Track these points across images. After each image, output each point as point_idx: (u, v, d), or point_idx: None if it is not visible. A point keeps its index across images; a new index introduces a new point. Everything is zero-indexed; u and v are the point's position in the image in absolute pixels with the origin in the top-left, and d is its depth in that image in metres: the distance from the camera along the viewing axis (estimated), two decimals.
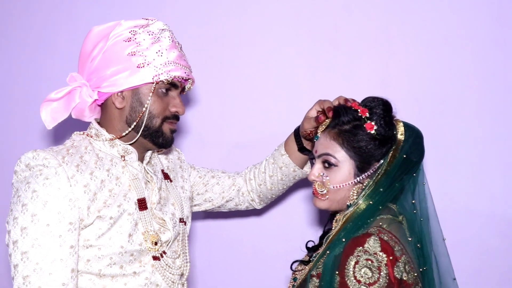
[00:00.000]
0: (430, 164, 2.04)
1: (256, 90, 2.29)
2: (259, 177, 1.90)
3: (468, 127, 2.13)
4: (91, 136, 1.58)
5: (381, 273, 1.34)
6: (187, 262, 1.68)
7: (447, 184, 2.13)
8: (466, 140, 2.13)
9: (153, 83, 1.52)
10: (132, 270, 1.52)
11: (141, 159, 1.63)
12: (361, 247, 1.37)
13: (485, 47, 2.11)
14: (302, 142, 1.77)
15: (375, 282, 1.33)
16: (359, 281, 1.34)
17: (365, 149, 1.50)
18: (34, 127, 2.44)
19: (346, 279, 1.35)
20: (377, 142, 1.50)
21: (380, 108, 1.52)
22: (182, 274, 1.65)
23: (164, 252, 1.58)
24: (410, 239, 1.46)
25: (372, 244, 1.37)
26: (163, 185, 1.69)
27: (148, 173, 1.62)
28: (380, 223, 1.44)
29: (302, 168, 1.84)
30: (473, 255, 2.13)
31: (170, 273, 1.58)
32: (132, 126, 1.55)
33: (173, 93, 1.59)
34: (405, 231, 1.48)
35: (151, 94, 1.53)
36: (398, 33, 2.16)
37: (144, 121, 1.55)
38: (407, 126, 1.55)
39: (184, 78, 1.58)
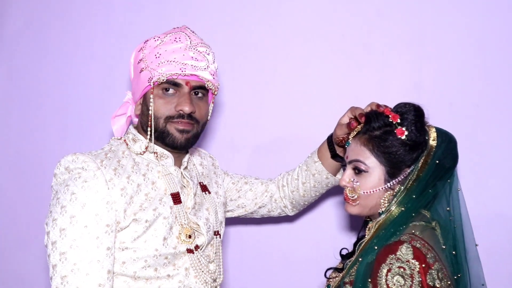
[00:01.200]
0: (463, 169, 2.01)
1: (287, 95, 2.29)
2: (292, 183, 1.90)
3: (502, 132, 2.09)
4: (128, 141, 1.62)
5: (414, 281, 1.33)
6: (220, 269, 1.69)
7: (480, 190, 2.09)
8: (500, 145, 2.09)
9: (150, 85, 1.54)
10: (166, 273, 1.54)
11: (178, 164, 1.65)
12: (393, 255, 1.36)
13: None
14: (335, 149, 1.77)
15: None
16: None
17: (395, 154, 1.50)
18: (72, 131, 2.50)
19: (378, 287, 1.34)
20: (407, 148, 1.50)
21: (412, 113, 1.52)
22: (215, 280, 1.66)
23: (198, 246, 1.59)
24: (444, 247, 1.45)
25: (404, 251, 1.36)
26: (198, 191, 1.71)
27: (184, 177, 1.65)
28: (413, 230, 1.43)
29: (335, 175, 1.84)
30: (506, 261, 2.08)
31: (202, 271, 1.59)
32: (148, 131, 1.56)
33: (180, 92, 1.57)
34: (438, 238, 1.47)
35: (151, 96, 1.55)
36: (431, 37, 2.15)
37: (153, 124, 1.56)
38: (440, 132, 1.54)
39: (179, 74, 1.53)
